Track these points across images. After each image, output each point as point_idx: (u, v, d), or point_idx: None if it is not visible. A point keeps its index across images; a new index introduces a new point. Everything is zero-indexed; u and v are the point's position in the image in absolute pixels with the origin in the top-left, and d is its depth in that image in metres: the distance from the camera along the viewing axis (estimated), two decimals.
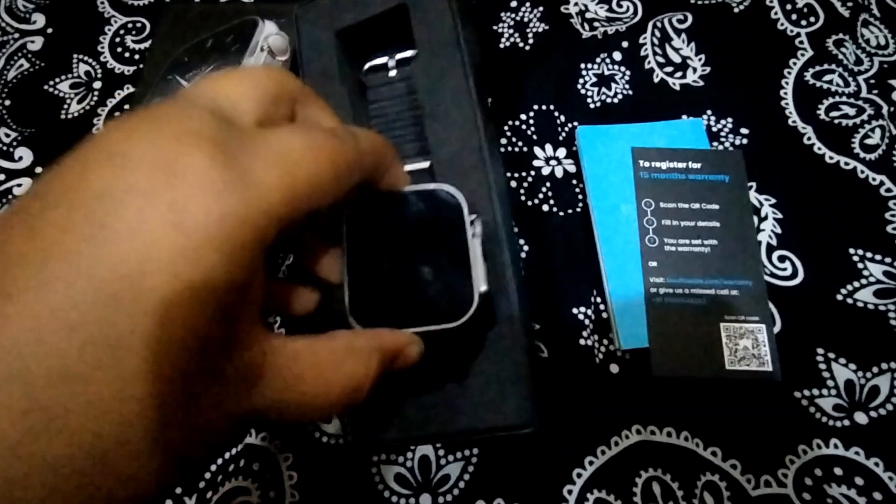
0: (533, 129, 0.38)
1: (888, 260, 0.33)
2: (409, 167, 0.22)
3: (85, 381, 0.11)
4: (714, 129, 0.38)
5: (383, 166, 0.19)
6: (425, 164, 0.27)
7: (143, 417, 0.11)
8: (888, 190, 0.35)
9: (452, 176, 0.26)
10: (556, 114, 0.39)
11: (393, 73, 0.30)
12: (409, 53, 0.29)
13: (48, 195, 0.12)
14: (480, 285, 0.20)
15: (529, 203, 0.36)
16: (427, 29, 0.28)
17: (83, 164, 0.12)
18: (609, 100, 0.39)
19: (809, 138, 0.37)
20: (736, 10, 0.41)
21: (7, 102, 0.41)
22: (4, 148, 0.39)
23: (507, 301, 0.26)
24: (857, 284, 0.33)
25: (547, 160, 0.37)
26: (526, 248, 0.35)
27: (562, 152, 0.38)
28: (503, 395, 0.25)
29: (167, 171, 0.12)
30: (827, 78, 0.38)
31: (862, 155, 0.36)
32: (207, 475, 0.31)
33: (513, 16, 0.42)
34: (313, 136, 0.15)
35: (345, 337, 0.18)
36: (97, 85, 0.41)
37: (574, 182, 0.37)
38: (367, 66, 0.30)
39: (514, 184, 0.37)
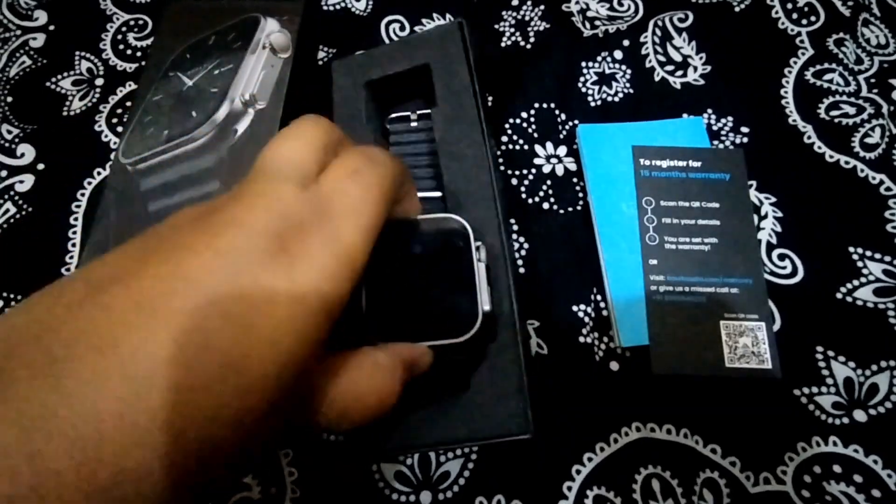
0: (534, 126, 0.38)
1: (888, 258, 0.33)
2: (422, 195, 0.26)
3: (208, 391, 0.13)
4: (714, 128, 0.38)
5: (405, 186, 0.21)
6: (438, 194, 0.29)
7: (251, 421, 0.14)
8: (888, 189, 0.35)
9: (463, 206, 0.29)
10: (557, 112, 0.39)
11: (414, 124, 0.33)
12: (429, 111, 0.32)
13: (194, 247, 0.14)
14: (484, 305, 0.22)
15: (530, 201, 0.36)
16: (447, 83, 0.31)
17: (212, 226, 0.15)
18: (610, 98, 0.39)
19: (810, 137, 0.37)
20: (737, 8, 0.42)
21: (9, 99, 0.41)
22: (6, 145, 0.39)
23: (508, 317, 0.27)
24: (856, 283, 0.33)
25: (548, 158, 0.38)
26: (526, 245, 0.35)
27: (562, 150, 0.38)
28: (502, 404, 0.26)
29: (282, 241, 0.15)
30: (827, 77, 0.39)
31: (862, 154, 0.36)
32: None
33: (514, 14, 0.42)
34: (366, 182, 0.18)
35: (370, 353, 0.19)
36: (99, 82, 0.41)
37: (575, 180, 0.37)
38: (391, 115, 0.34)
39: (514, 182, 0.37)
